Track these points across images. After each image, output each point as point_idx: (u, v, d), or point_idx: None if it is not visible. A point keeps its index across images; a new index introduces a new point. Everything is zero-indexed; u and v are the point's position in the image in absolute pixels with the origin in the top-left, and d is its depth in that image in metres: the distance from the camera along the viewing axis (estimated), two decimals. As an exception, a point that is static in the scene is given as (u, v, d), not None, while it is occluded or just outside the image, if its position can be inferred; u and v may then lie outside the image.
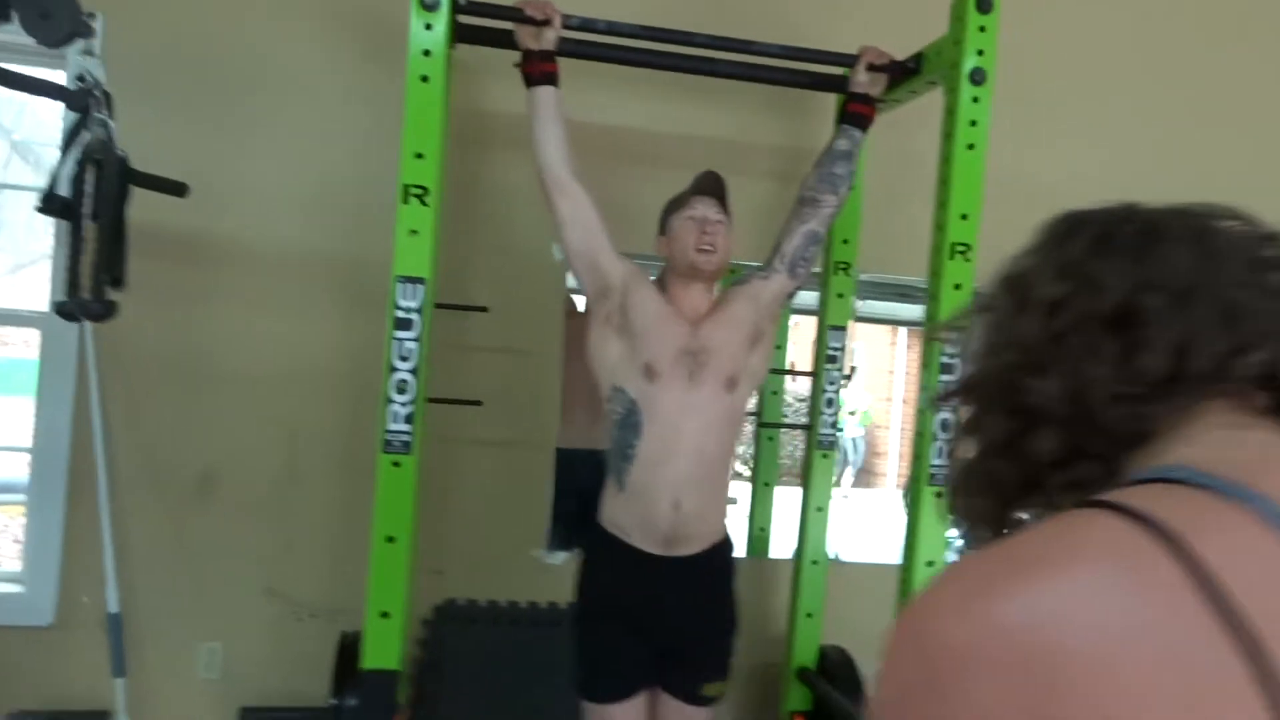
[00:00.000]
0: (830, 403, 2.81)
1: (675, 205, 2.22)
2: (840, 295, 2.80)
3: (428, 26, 1.92)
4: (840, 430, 3.09)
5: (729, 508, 2.26)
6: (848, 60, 2.32)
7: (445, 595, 2.92)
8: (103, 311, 2.01)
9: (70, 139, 1.91)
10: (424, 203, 1.93)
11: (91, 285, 1.95)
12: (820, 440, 2.81)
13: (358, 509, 2.49)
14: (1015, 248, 0.74)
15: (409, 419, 1.96)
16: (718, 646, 2.22)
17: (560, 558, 2.98)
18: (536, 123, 2.16)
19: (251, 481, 2.83)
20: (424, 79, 1.93)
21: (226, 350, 2.81)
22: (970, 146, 2.14)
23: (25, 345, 2.77)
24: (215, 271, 2.80)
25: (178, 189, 2.23)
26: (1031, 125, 3.04)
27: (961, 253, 2.14)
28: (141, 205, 2.57)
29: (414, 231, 1.94)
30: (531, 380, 2.94)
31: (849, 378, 3.02)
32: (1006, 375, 0.69)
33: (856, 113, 2.32)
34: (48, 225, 2.58)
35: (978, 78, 2.12)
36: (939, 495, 2.16)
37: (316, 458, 2.85)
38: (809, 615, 2.81)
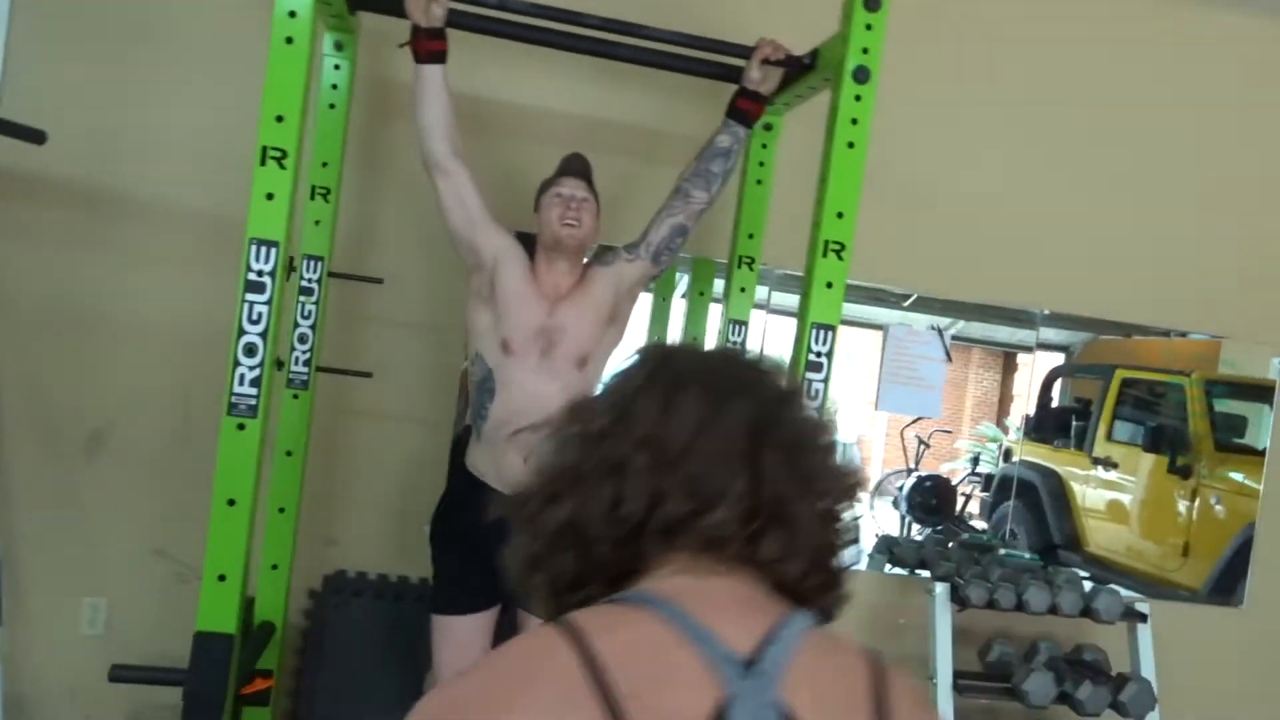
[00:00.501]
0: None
1: (545, 185, 2.31)
2: (743, 289, 2.78)
3: (298, -14, 1.90)
4: None
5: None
6: (744, 52, 2.30)
7: (337, 566, 2.93)
8: None
9: None
10: (282, 165, 1.91)
11: None
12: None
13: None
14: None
15: (255, 382, 1.95)
16: None
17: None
18: (420, 101, 2.17)
19: (144, 438, 2.83)
20: (288, 40, 1.91)
21: (120, 304, 2.80)
22: (850, 145, 2.10)
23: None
24: (111, 223, 2.79)
25: (36, 136, 2.22)
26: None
27: (836, 251, 2.11)
28: (37, 153, 2.58)
29: (270, 195, 1.92)
30: (431, 355, 2.93)
31: None
32: (539, 496, 0.82)
33: (742, 109, 2.30)
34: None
35: (860, 76, 2.09)
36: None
37: (212, 419, 2.84)
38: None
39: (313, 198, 2.54)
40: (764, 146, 2.75)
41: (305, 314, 2.57)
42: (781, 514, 0.77)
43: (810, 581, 0.79)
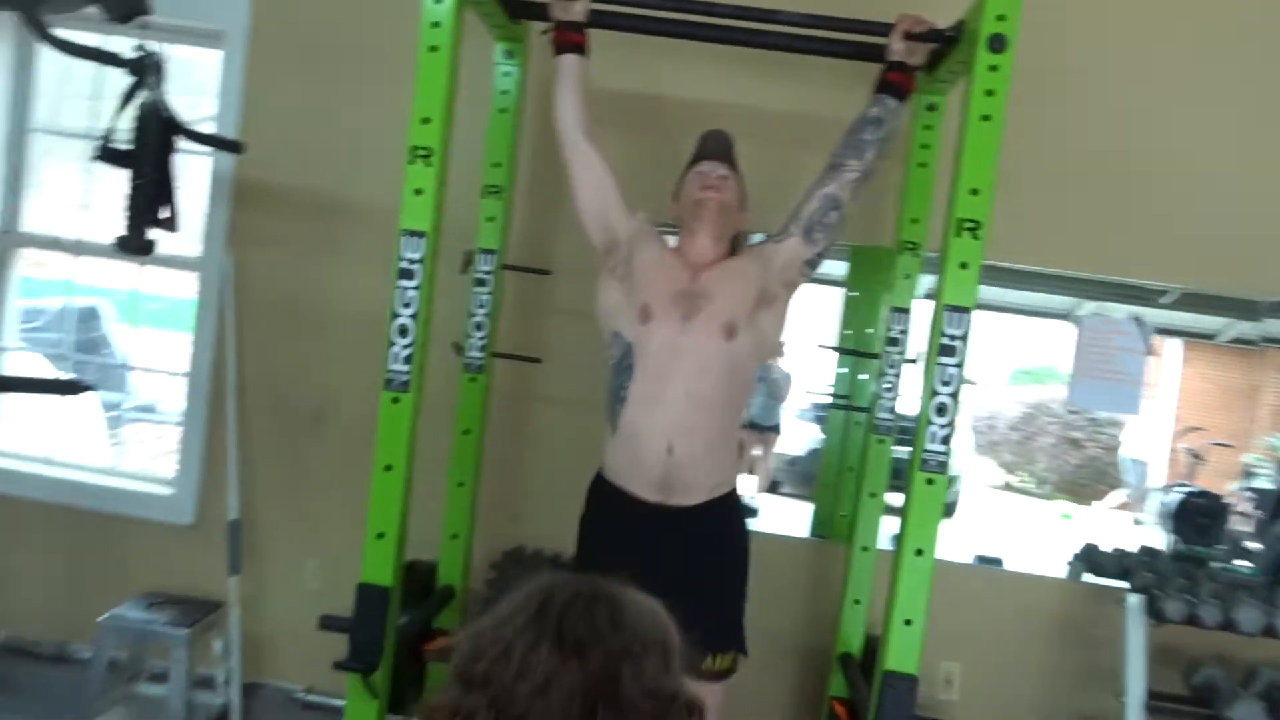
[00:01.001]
0: (890, 388, 2.71)
1: (685, 170, 2.28)
2: (906, 276, 2.69)
3: (437, 0, 2.08)
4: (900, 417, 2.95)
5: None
6: (882, 29, 2.24)
7: (519, 541, 3.13)
8: (140, 248, 2.36)
9: (127, 99, 2.28)
10: (429, 163, 2.10)
11: (131, 226, 2.30)
12: (876, 425, 2.72)
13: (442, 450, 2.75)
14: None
15: (408, 360, 2.15)
16: (719, 610, 2.16)
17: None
18: (557, 88, 2.28)
19: (356, 419, 3.16)
20: (433, 49, 2.10)
21: (341, 298, 3.16)
22: (985, 118, 2.00)
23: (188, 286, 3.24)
24: (336, 228, 3.15)
25: (234, 146, 2.56)
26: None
27: (970, 230, 2.01)
28: (281, 169, 2.99)
29: (419, 191, 2.12)
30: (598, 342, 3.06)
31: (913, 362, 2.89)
32: None
33: (890, 80, 2.23)
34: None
35: (996, 45, 1.98)
36: (929, 482, 2.05)
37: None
38: (856, 602, 2.75)
39: (486, 196, 2.74)
40: (928, 128, 2.65)
41: (480, 304, 2.77)
42: None
43: None
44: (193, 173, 3.16)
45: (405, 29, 3.02)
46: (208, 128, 2.80)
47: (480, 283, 2.77)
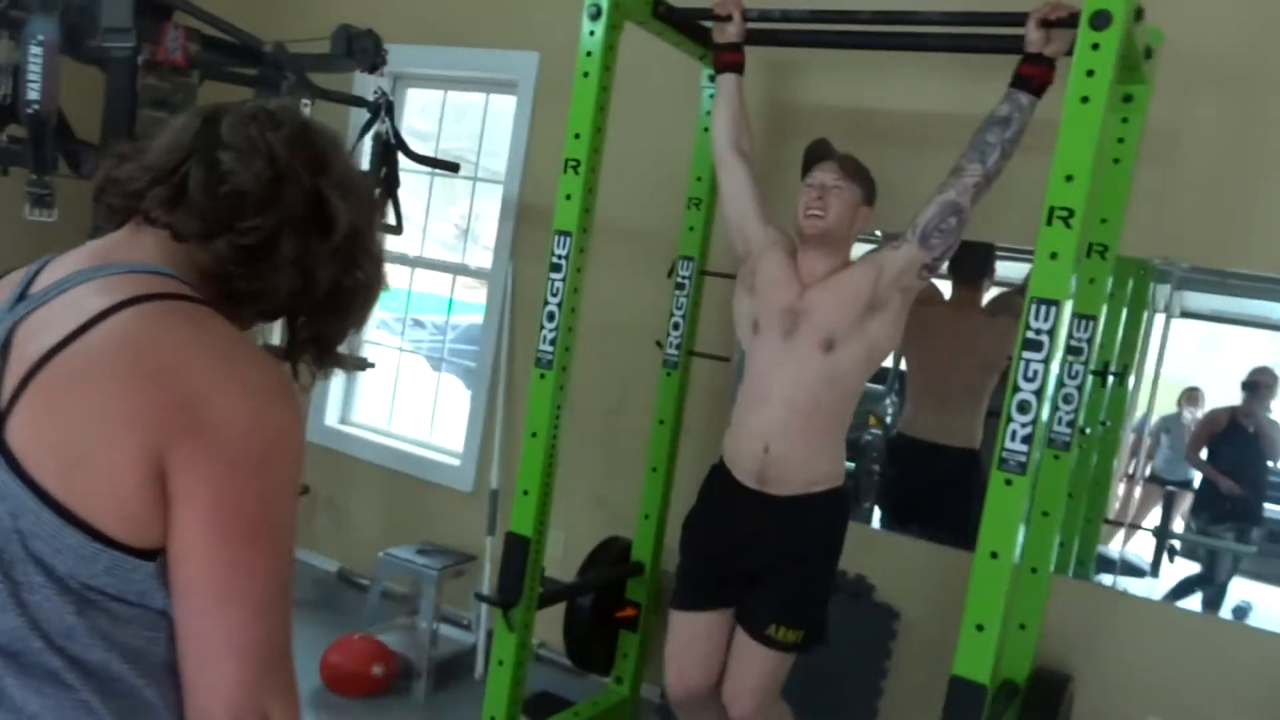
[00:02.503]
0: (1069, 399, 2.52)
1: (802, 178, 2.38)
2: (1092, 281, 2.49)
3: (591, 33, 2.42)
4: (1086, 431, 2.66)
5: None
6: (1019, 19, 2.17)
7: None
8: None
9: (365, 130, 2.87)
10: (576, 172, 2.44)
11: None
12: (1052, 439, 2.54)
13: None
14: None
15: (553, 341, 2.49)
16: (793, 586, 2.29)
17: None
18: (715, 106, 2.52)
19: (596, 410, 3.57)
20: (585, 75, 2.43)
21: (584, 302, 3.57)
22: (1084, 100, 1.89)
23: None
24: (597, 244, 3.57)
25: (452, 167, 3.07)
26: None
27: (1064, 218, 1.90)
28: (550, 193, 3.51)
29: (568, 196, 2.46)
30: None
31: (1119, 376, 2.62)
32: None
33: (1023, 74, 2.15)
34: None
35: (1099, 22, 1.87)
36: (1008, 482, 1.95)
37: (639, 398, 3.47)
38: (1021, 627, 2.58)
39: (688, 207, 3.01)
40: (1125, 120, 2.46)
41: (679, 305, 3.05)
42: (180, 184, 0.93)
43: (164, 201, 0.94)
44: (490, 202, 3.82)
45: (645, 68, 3.45)
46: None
47: (680, 286, 3.04)
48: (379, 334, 4.30)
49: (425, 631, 3.29)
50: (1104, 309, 2.53)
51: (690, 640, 2.39)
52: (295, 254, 0.96)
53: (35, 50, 2.67)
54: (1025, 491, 1.94)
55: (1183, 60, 2.48)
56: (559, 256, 2.47)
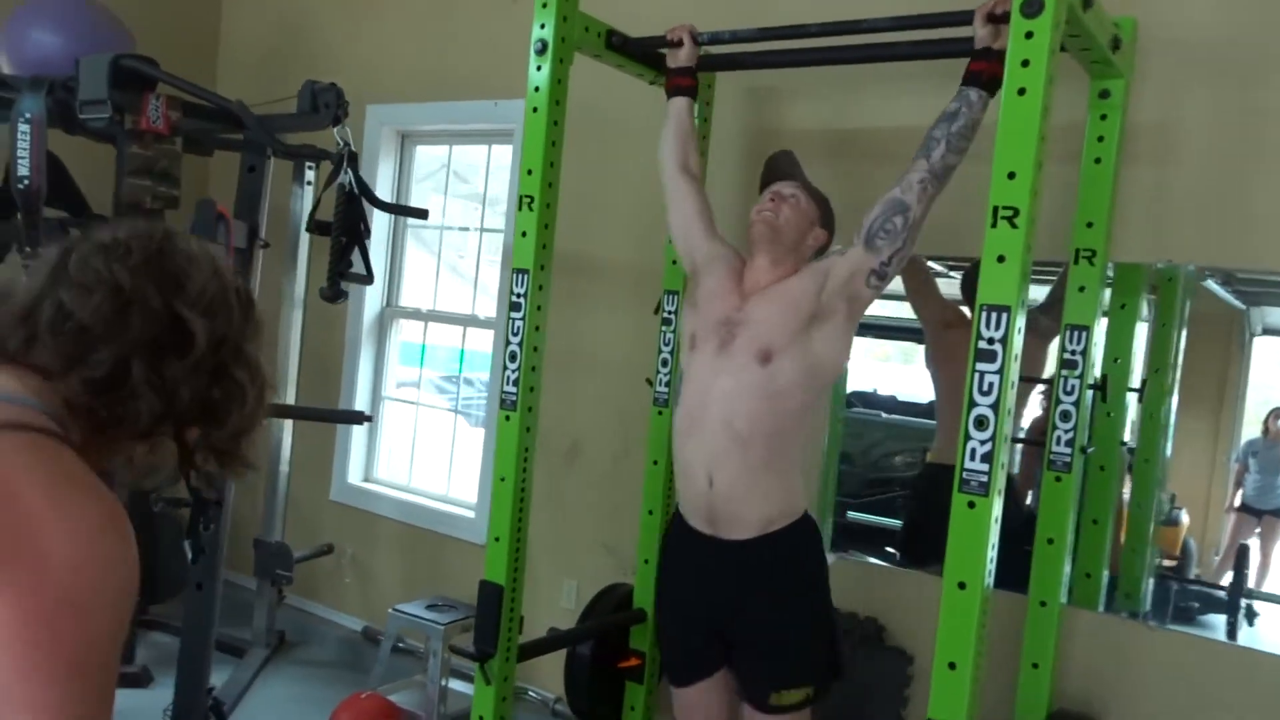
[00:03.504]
0: (1066, 416, 2.35)
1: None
2: (1081, 289, 2.34)
3: (538, 68, 2.39)
4: (1087, 451, 2.45)
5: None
6: (966, 19, 2.07)
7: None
8: (333, 296, 2.93)
9: (329, 182, 2.88)
10: (531, 209, 2.40)
11: (329, 279, 2.88)
12: (1052, 460, 2.37)
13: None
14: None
15: (516, 382, 2.44)
16: (781, 644, 2.15)
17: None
18: (664, 128, 2.47)
19: (600, 453, 3.50)
20: (534, 110, 2.40)
21: (585, 344, 3.53)
22: (1020, 91, 1.77)
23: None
24: (584, 282, 3.55)
25: (420, 214, 3.05)
26: None
27: (1008, 218, 1.78)
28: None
29: (524, 234, 2.42)
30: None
31: (1100, 388, 2.43)
32: None
33: (971, 70, 2.04)
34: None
35: (1029, 9, 1.76)
36: (970, 505, 1.80)
37: (640, 437, 3.38)
38: (1034, 666, 2.38)
39: (669, 241, 2.94)
40: (1103, 118, 2.32)
41: (666, 341, 2.97)
42: (34, 324, 0.99)
43: (22, 342, 0.98)
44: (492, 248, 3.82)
45: (630, 110, 3.43)
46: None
47: (667, 322, 2.97)
48: (406, 391, 4.32)
49: (433, 691, 3.23)
50: (1097, 318, 2.36)
51: (689, 712, 2.28)
52: (149, 377, 1.00)
53: (24, 128, 2.77)
54: (991, 514, 1.79)
55: (1175, 50, 2.34)
56: (518, 295, 2.43)
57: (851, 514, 3.10)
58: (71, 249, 1.03)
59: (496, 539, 2.47)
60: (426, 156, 4.24)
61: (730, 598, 2.14)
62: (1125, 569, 2.63)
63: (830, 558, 2.96)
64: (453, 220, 4.19)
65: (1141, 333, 2.57)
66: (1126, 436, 2.60)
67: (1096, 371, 2.45)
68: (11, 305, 1.01)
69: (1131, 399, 2.56)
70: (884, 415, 3.35)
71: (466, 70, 3.84)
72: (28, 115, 2.77)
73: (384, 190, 4.09)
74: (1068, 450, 2.35)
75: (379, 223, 4.09)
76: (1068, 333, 2.35)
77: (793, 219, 2.18)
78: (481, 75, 3.77)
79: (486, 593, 2.46)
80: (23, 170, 2.78)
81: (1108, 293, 2.48)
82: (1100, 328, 2.41)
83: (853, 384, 3.13)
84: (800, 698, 2.10)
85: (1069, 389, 2.35)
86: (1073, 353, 2.34)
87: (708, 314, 2.21)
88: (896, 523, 3.13)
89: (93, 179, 3.37)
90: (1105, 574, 2.61)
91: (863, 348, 2.92)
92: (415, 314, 4.23)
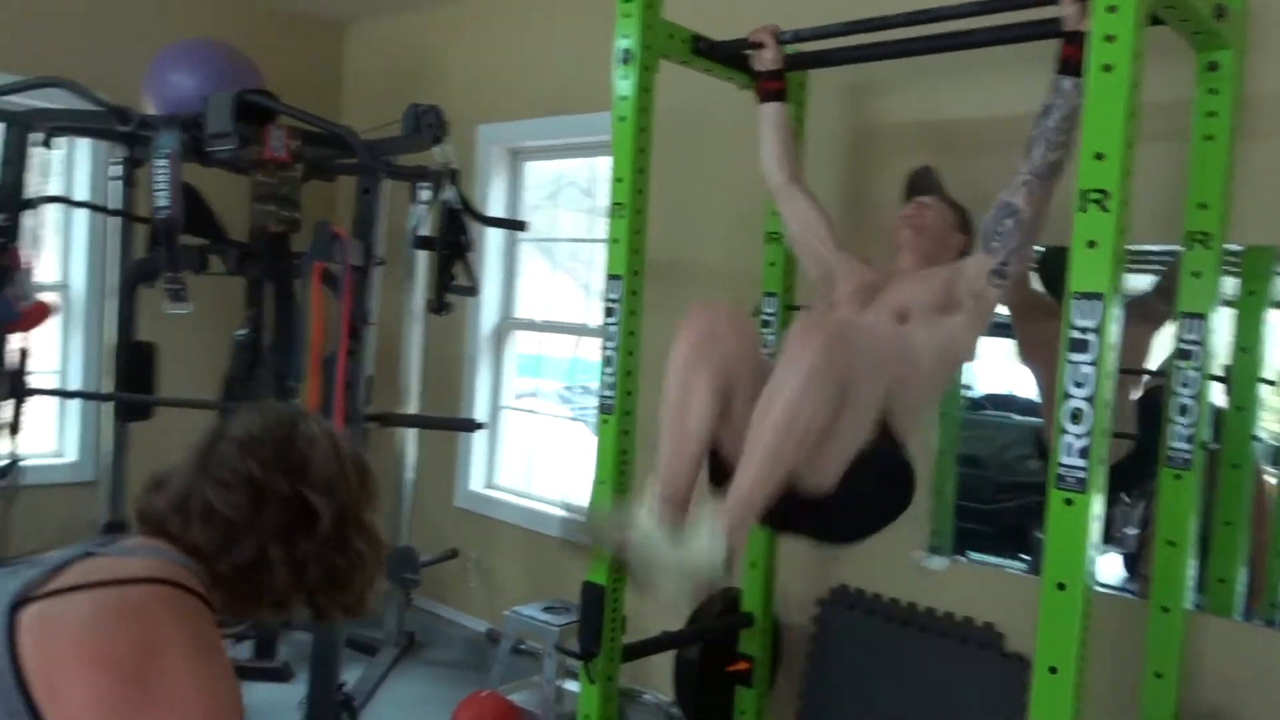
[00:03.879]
0: (1184, 410, 2.22)
1: None
2: (1196, 275, 2.21)
3: (624, 78, 2.43)
4: (1209, 447, 2.28)
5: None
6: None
7: (844, 580, 3.14)
8: (439, 308, 3.03)
9: (432, 199, 2.98)
10: (622, 216, 2.44)
11: (434, 292, 2.98)
12: (1170, 457, 2.24)
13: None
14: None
15: (613, 386, 2.48)
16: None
17: (940, 564, 2.92)
18: (760, 136, 2.47)
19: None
20: (621, 119, 2.44)
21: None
22: (1106, 68, 1.70)
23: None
24: (680, 287, 3.55)
25: (519, 225, 3.12)
26: None
27: (1096, 201, 1.70)
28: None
29: (616, 240, 2.46)
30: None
31: (1224, 380, 2.27)
32: None
33: (1062, 56, 1.98)
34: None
35: (1116, -19, 1.69)
36: (1068, 502, 1.73)
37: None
38: (1157, 675, 2.26)
39: (767, 242, 2.94)
40: (1212, 92, 2.19)
41: (764, 344, 2.95)
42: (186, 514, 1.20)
43: (180, 528, 1.19)
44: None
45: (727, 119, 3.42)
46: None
47: (766, 324, 2.96)
48: (524, 401, 4.44)
49: (549, 688, 3.30)
50: (1215, 306, 2.22)
51: None
52: (284, 557, 1.18)
53: (161, 163, 2.99)
54: (1089, 511, 1.71)
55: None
56: (612, 301, 2.47)
57: (981, 517, 3.00)
58: (216, 441, 1.22)
59: (597, 540, 2.50)
60: (551, 171, 4.34)
61: None
62: (1269, 574, 2.46)
63: (943, 561, 2.91)
64: (574, 233, 4.29)
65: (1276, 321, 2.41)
66: (1263, 432, 2.44)
67: (1220, 361, 2.31)
68: (169, 493, 1.20)
69: (1267, 392, 2.40)
70: (1015, 417, 3.24)
71: (570, 85, 3.93)
72: (164, 151, 3.00)
73: (496, 205, 4.23)
74: (1187, 446, 2.22)
75: (493, 238, 4.24)
76: (1182, 321, 2.23)
77: (936, 221, 2.28)
78: (584, 89, 3.85)
79: (589, 593, 2.50)
80: (161, 201, 3.00)
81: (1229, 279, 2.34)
82: (1222, 315, 2.26)
83: (987, 386, 3.04)
84: None
85: (1185, 381, 2.22)
86: (1188, 343, 2.21)
87: (847, 285, 2.30)
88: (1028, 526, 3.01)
89: (230, 206, 3.63)
90: (1243, 579, 2.46)
91: (997, 348, 2.86)
92: (530, 325, 4.34)
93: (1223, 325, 2.31)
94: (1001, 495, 3.12)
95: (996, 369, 3.07)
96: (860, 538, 2.26)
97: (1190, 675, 2.36)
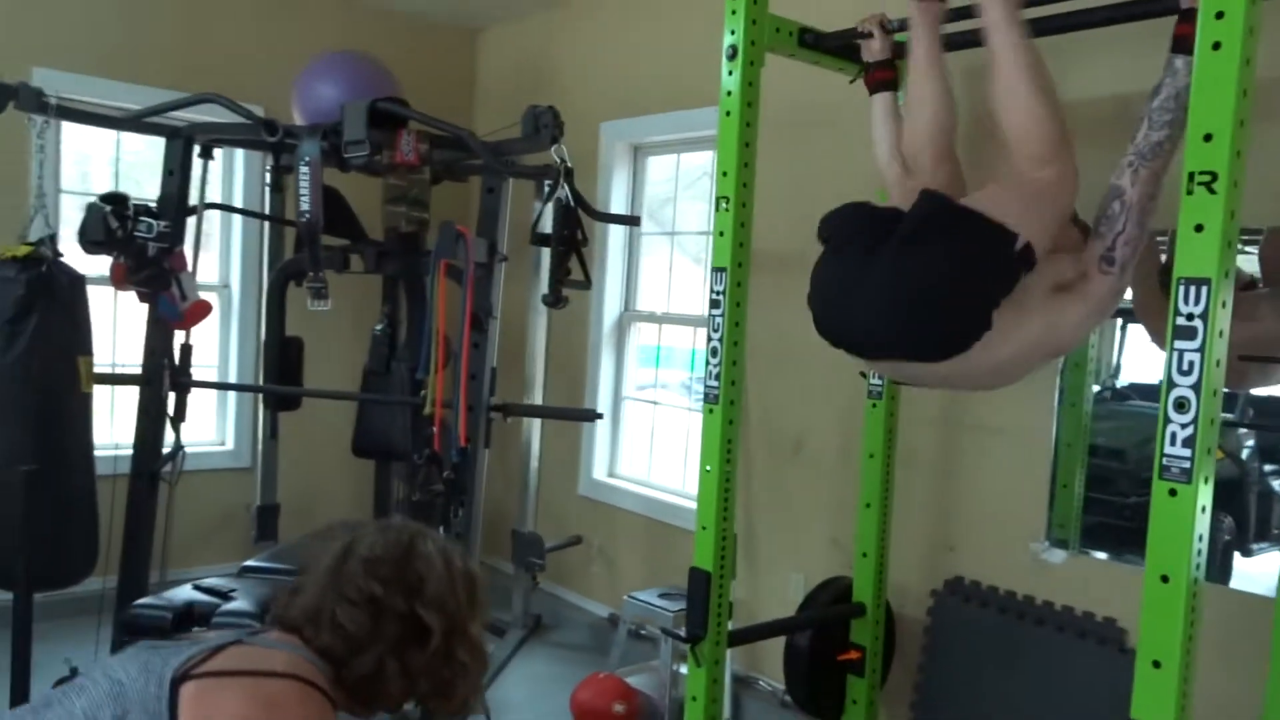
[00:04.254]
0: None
1: None
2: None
3: (729, 73, 2.48)
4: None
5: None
6: (1177, -27, 1.93)
7: (958, 572, 3.10)
8: (554, 302, 3.12)
9: (548, 197, 3.07)
10: (727, 209, 2.49)
11: (550, 286, 3.08)
12: None
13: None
14: None
15: (718, 376, 2.53)
16: None
17: (1059, 556, 2.86)
18: (872, 128, 2.47)
19: (824, 447, 3.51)
20: (727, 114, 2.48)
21: (800, 340, 3.53)
22: (1215, 46, 1.64)
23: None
24: (795, 279, 3.56)
25: (633, 221, 3.18)
26: None
27: (1205, 184, 1.66)
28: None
29: (721, 233, 2.51)
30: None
31: None
32: None
33: (1177, 35, 1.92)
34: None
35: (1224, -46, 1.63)
36: (1172, 493, 1.69)
37: (857, 428, 3.35)
38: None
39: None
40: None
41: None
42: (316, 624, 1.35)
43: (312, 634, 1.33)
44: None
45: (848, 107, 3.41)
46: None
47: (877, 314, 2.95)
48: (645, 392, 4.55)
49: (665, 671, 3.39)
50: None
51: None
52: (398, 670, 1.33)
53: (303, 169, 3.22)
54: (1195, 502, 1.67)
55: None
56: (717, 293, 2.52)
57: (1113, 511, 2.91)
58: (346, 558, 1.36)
59: (704, 527, 2.57)
60: (683, 164, 4.42)
61: None
62: None
63: (1062, 554, 2.84)
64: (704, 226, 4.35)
65: None
66: None
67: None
68: (304, 601, 1.36)
69: None
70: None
71: (688, 81, 3.99)
72: (306, 158, 3.22)
73: (619, 200, 4.34)
74: None
75: (615, 233, 4.35)
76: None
77: None
78: (700, 84, 3.89)
79: (695, 578, 2.57)
80: (304, 205, 3.23)
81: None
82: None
83: (1133, 375, 2.95)
84: None
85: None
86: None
87: None
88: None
89: (369, 208, 3.86)
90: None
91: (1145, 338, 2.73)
92: (650, 317, 4.44)
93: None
94: (1143, 489, 3.00)
95: (1145, 359, 2.95)
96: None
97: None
